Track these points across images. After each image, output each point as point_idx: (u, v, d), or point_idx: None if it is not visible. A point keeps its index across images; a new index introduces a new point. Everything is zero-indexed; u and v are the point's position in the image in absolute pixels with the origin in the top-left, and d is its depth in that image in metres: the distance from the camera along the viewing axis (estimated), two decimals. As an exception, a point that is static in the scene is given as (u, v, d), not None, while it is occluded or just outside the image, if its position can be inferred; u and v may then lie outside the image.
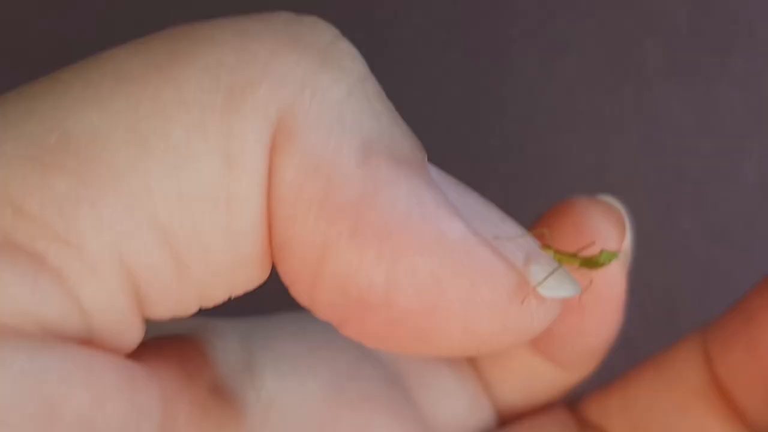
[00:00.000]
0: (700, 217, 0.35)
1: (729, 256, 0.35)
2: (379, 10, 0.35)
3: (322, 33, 0.14)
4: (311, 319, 0.15)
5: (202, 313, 0.14)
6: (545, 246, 0.15)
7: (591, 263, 0.15)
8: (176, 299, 0.13)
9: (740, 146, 0.35)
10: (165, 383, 0.15)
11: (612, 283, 0.18)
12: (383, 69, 0.35)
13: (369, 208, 0.13)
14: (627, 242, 0.18)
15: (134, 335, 0.14)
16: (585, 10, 0.35)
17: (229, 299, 0.14)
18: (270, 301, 0.17)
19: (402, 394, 0.19)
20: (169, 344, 0.16)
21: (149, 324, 0.14)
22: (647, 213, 0.35)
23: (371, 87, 0.14)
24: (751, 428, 0.18)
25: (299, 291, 0.14)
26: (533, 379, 0.20)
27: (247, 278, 0.14)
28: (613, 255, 0.15)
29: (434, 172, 0.14)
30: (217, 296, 0.14)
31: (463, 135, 0.36)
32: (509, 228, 0.14)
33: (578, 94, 0.35)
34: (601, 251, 0.15)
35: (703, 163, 0.35)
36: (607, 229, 0.18)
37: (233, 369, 0.17)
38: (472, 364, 0.20)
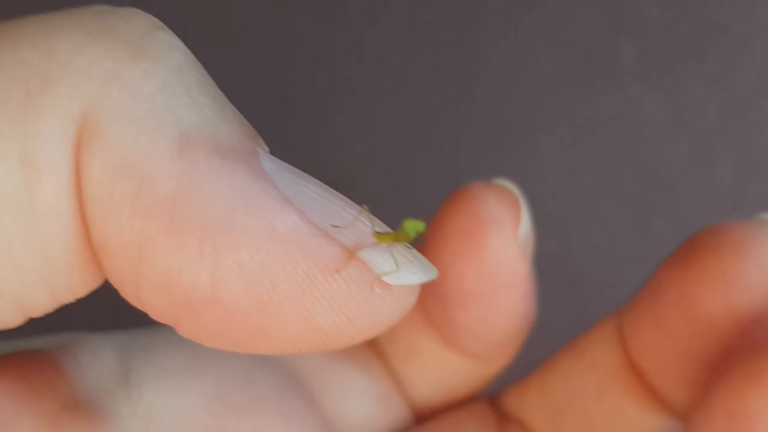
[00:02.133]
0: (673, 218, 0.34)
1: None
2: (352, 11, 0.35)
3: (137, 23, 0.13)
4: None
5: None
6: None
7: (400, 237, 0.14)
8: None
9: (714, 147, 0.34)
10: None
11: (512, 269, 0.18)
12: (355, 70, 0.35)
13: (187, 204, 0.12)
14: (524, 226, 0.18)
15: None
16: (558, 10, 0.35)
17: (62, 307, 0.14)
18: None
19: (299, 398, 0.18)
20: (13, 361, 0.15)
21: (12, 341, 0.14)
22: (620, 214, 0.35)
23: (193, 78, 0.13)
24: (668, 408, 0.18)
25: (127, 293, 0.13)
26: (447, 373, 0.20)
27: (72, 284, 0.13)
28: (417, 224, 0.14)
29: (269, 162, 0.13)
30: (40, 305, 0.13)
31: (435, 136, 0.36)
32: (351, 215, 0.14)
33: (551, 95, 0.35)
34: (404, 221, 0.14)
35: (677, 164, 0.35)
36: (503, 213, 0.18)
37: (104, 383, 0.16)
38: (382, 363, 0.20)
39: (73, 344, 0.17)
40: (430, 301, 0.19)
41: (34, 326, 0.17)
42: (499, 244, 0.18)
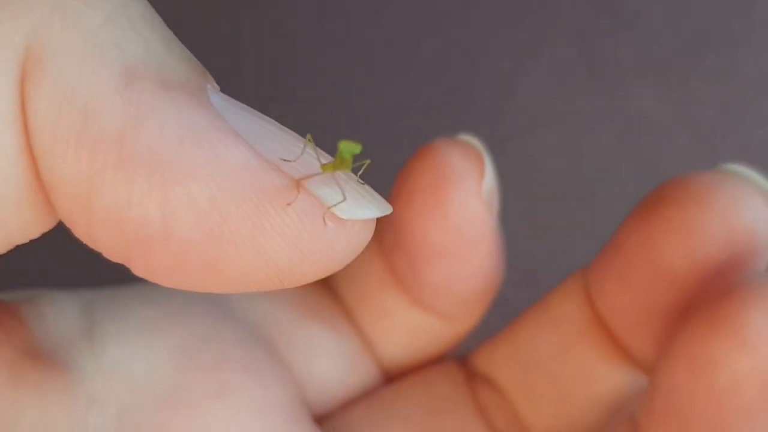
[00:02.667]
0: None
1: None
2: (351, 4, 0.35)
3: None
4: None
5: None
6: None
7: (339, 163, 0.14)
8: None
9: (715, 142, 0.34)
10: None
11: (475, 224, 0.18)
12: (353, 64, 0.35)
13: (133, 136, 0.12)
14: (487, 181, 0.18)
15: None
16: (558, 6, 0.35)
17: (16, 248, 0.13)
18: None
19: (266, 356, 0.18)
20: None
21: None
22: (620, 210, 0.35)
23: (137, 11, 0.13)
24: (634, 362, 0.18)
25: (80, 232, 0.13)
26: (417, 333, 0.20)
27: (24, 223, 0.13)
28: (353, 146, 0.14)
29: (218, 97, 0.13)
30: None
31: (434, 133, 0.36)
32: (300, 149, 0.14)
33: (552, 91, 0.35)
34: (339, 143, 0.14)
35: (678, 160, 0.34)
36: (466, 168, 0.18)
37: (67, 335, 0.16)
38: (351, 323, 0.20)
39: (36, 297, 0.17)
40: (396, 259, 0.19)
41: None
42: (463, 198, 0.18)
